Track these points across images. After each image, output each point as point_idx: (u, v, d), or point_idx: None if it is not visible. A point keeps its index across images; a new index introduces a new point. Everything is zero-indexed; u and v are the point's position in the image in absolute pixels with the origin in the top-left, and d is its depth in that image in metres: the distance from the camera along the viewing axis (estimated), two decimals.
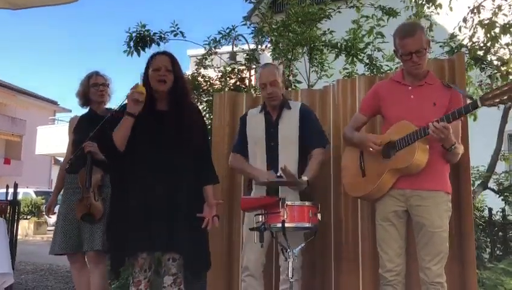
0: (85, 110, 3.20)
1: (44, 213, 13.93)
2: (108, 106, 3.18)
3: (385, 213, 2.32)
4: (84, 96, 3.11)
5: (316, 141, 2.67)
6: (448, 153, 2.22)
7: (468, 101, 2.21)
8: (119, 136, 2.25)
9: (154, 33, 4.77)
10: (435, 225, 2.21)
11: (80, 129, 3.04)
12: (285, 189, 2.51)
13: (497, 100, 2.06)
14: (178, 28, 4.82)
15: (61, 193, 3.11)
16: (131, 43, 4.73)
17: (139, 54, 4.75)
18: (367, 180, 2.37)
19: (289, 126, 2.67)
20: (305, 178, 2.49)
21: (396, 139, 2.26)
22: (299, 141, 2.65)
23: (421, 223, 2.23)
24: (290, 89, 4.37)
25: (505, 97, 2.05)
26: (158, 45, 4.78)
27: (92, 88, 3.07)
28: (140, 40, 4.72)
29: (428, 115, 2.20)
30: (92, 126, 2.87)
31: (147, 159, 2.27)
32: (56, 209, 3.19)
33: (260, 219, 2.25)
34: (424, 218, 2.22)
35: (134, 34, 4.72)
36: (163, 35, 4.78)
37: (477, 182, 4.62)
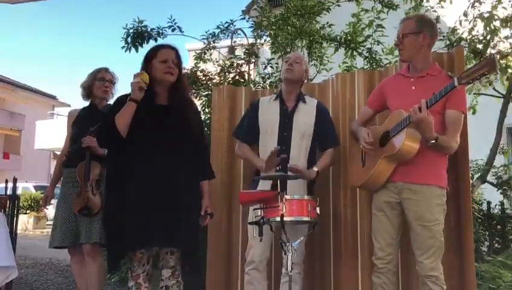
0: (82, 105, 3.20)
1: (42, 205, 14.00)
2: (110, 102, 3.18)
3: (379, 203, 2.37)
4: (88, 89, 3.10)
5: (330, 141, 2.71)
6: (431, 145, 2.18)
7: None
8: (121, 121, 2.23)
9: (152, 29, 4.76)
10: (424, 219, 2.22)
11: (80, 123, 3.04)
12: (293, 183, 2.51)
13: (473, 76, 2.08)
14: (175, 23, 4.81)
15: (59, 185, 3.11)
16: (129, 39, 4.72)
17: (137, 50, 4.75)
18: (365, 170, 2.41)
19: (305, 119, 2.67)
20: (315, 169, 2.56)
21: (391, 128, 2.29)
22: (312, 136, 2.66)
23: (411, 217, 2.26)
24: None
25: (479, 73, 2.06)
26: (155, 40, 4.78)
27: (98, 82, 3.06)
28: (138, 36, 4.71)
29: None
30: (91, 120, 2.86)
31: (146, 153, 2.26)
32: (53, 201, 3.20)
33: (259, 213, 2.26)
34: (413, 211, 2.25)
35: (131, 30, 4.71)
36: (160, 31, 4.77)
37: (476, 176, 4.62)
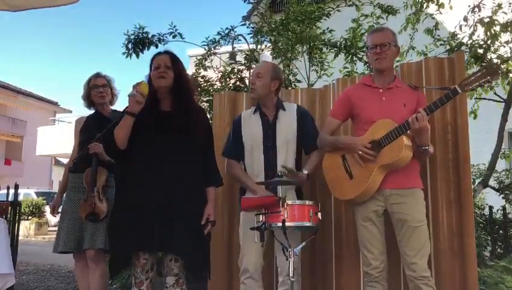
0: (89, 112, 3.24)
1: (45, 213, 14.08)
2: (115, 106, 3.22)
3: (367, 213, 2.37)
4: (87, 98, 3.16)
5: (315, 143, 2.68)
6: (421, 152, 2.30)
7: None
8: (120, 135, 2.26)
9: (153, 35, 4.78)
10: (416, 220, 2.28)
11: (87, 130, 3.08)
12: (284, 188, 2.49)
13: (476, 84, 2.17)
14: (176, 30, 4.84)
15: (66, 192, 3.13)
16: (130, 45, 4.75)
17: (137, 56, 4.78)
18: (356, 182, 2.37)
19: (287, 127, 2.66)
20: (305, 171, 2.54)
21: (380, 137, 2.30)
22: (296, 142, 2.65)
23: (403, 220, 2.29)
24: (290, 88, 4.37)
25: (483, 80, 2.16)
26: (156, 46, 4.80)
27: (93, 90, 3.11)
28: (138, 42, 4.74)
29: (399, 115, 2.28)
30: (98, 127, 2.89)
31: (149, 159, 2.27)
32: (60, 209, 3.22)
33: (261, 219, 2.25)
34: (406, 214, 2.29)
35: (132, 36, 4.74)
36: (161, 37, 4.79)
37: (478, 180, 4.61)
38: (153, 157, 2.26)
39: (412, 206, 2.30)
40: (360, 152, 2.34)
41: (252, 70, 2.79)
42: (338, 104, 2.60)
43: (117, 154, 2.30)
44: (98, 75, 3.16)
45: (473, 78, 2.16)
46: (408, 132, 2.25)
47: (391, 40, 2.41)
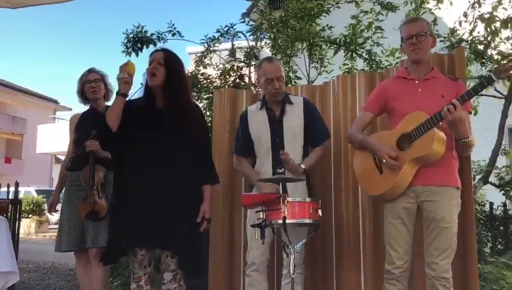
0: (84, 108, 3.23)
1: (46, 211, 14.09)
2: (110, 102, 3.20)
3: (396, 210, 2.29)
4: (81, 94, 3.16)
5: (321, 137, 2.69)
6: (462, 145, 2.21)
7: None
8: (111, 116, 2.27)
9: (152, 34, 4.78)
10: (446, 220, 2.19)
11: (82, 127, 3.07)
12: (293, 184, 2.48)
13: None
14: (175, 28, 4.83)
15: (64, 190, 3.12)
16: (129, 44, 4.75)
17: (137, 55, 4.78)
18: (386, 177, 2.30)
19: (294, 122, 2.65)
20: (302, 166, 2.54)
21: (411, 130, 2.24)
22: (304, 136, 2.65)
23: (431, 218, 2.22)
24: (289, 85, 4.37)
25: None
26: (155, 45, 4.80)
27: (85, 86, 3.11)
28: (137, 41, 4.74)
29: (437, 107, 2.19)
30: (93, 123, 2.88)
31: (146, 157, 2.28)
32: (58, 207, 3.22)
33: (261, 216, 2.26)
34: (435, 213, 2.21)
35: (131, 35, 4.74)
36: (160, 36, 4.79)
37: (478, 177, 4.61)
38: (148, 155, 2.28)
39: (443, 205, 2.20)
40: (383, 161, 2.27)
41: (265, 71, 2.64)
42: (372, 98, 2.55)
43: (108, 137, 2.30)
44: (91, 71, 3.16)
45: (508, 65, 2.09)
46: (441, 123, 2.17)
47: (427, 30, 2.33)
